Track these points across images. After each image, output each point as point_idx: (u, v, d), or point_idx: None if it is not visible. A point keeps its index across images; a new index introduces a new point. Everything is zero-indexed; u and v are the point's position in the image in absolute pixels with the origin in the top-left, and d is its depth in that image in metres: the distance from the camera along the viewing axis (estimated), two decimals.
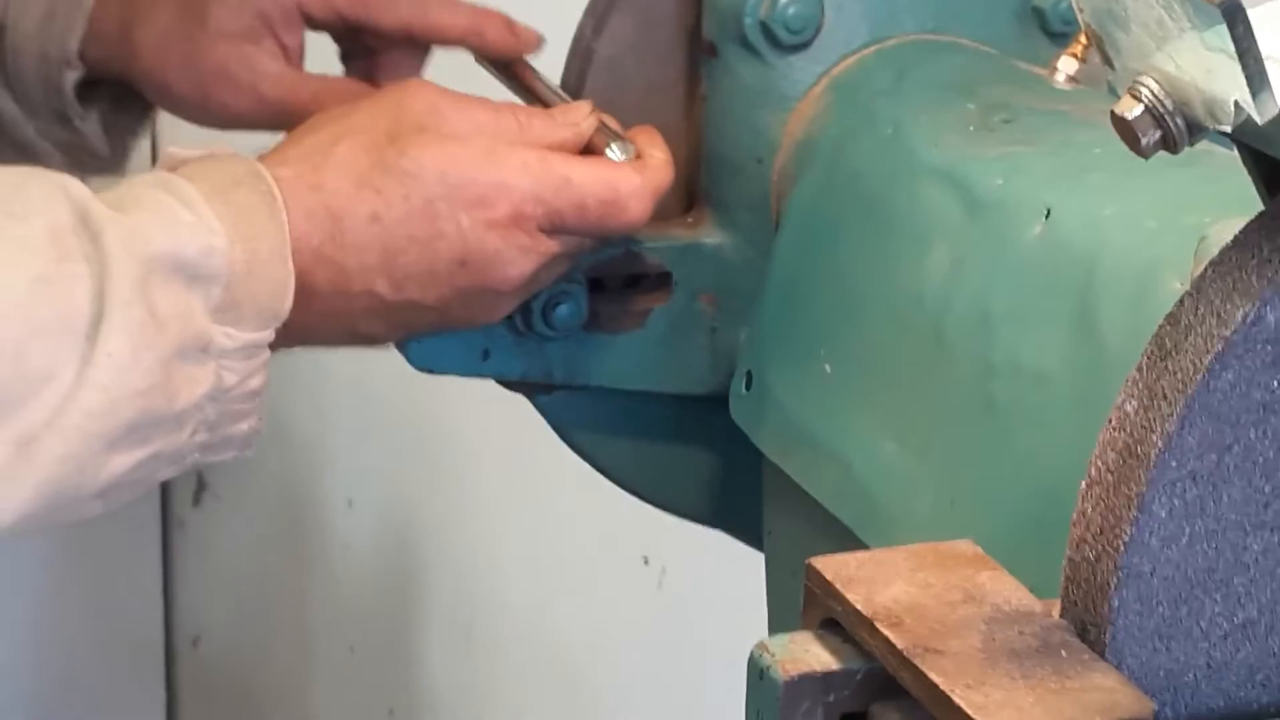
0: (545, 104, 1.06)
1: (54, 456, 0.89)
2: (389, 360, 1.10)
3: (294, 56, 1.14)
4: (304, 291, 0.96)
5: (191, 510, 2.32)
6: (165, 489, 2.26)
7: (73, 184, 0.93)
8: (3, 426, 0.88)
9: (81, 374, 0.89)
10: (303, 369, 2.16)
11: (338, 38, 1.17)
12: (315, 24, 1.15)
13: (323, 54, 1.19)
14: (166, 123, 1.89)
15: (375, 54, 1.15)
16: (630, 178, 1.00)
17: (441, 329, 1.02)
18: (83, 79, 1.18)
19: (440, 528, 2.14)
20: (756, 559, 1.11)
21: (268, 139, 1.05)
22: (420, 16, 1.12)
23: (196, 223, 0.93)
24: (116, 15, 1.16)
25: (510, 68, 1.10)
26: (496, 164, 0.97)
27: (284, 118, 1.11)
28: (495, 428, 1.92)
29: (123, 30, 1.16)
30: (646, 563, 1.98)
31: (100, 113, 1.20)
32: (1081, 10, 0.72)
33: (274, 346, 0.96)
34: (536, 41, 1.11)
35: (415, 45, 1.15)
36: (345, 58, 1.18)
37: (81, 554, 2.21)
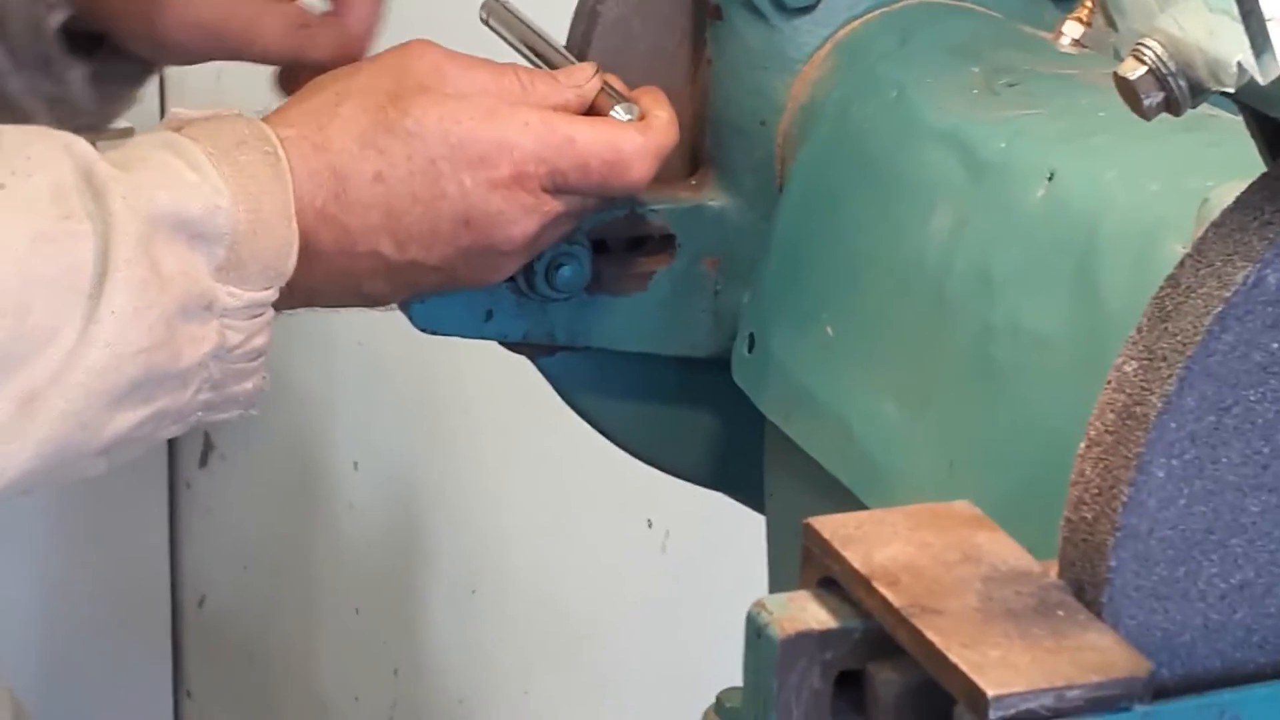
0: (550, 65, 1.06)
1: (57, 413, 0.90)
2: (394, 322, 1.10)
3: None
4: (309, 251, 0.96)
5: (198, 471, 2.33)
6: (172, 450, 2.27)
7: (77, 142, 0.93)
8: (5, 383, 0.89)
9: (85, 331, 0.90)
10: (310, 331, 2.17)
11: None
12: None
13: None
14: (174, 83, 1.89)
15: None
16: (633, 138, 1.00)
17: (446, 289, 1.02)
18: (71, 28, 1.16)
19: (445, 490, 2.14)
20: (759, 522, 1.12)
21: (272, 102, 1.05)
22: None
23: (201, 182, 0.93)
24: None
25: (513, 26, 1.09)
26: (499, 123, 0.98)
27: (219, 46, 1.09)
28: (501, 391, 1.92)
29: None
30: (650, 526, 1.98)
31: (90, 69, 1.18)
32: None
33: (279, 306, 0.96)
34: None
35: None
36: None
37: (88, 514, 2.22)
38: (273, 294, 0.95)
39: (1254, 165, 0.71)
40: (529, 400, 1.16)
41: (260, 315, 0.95)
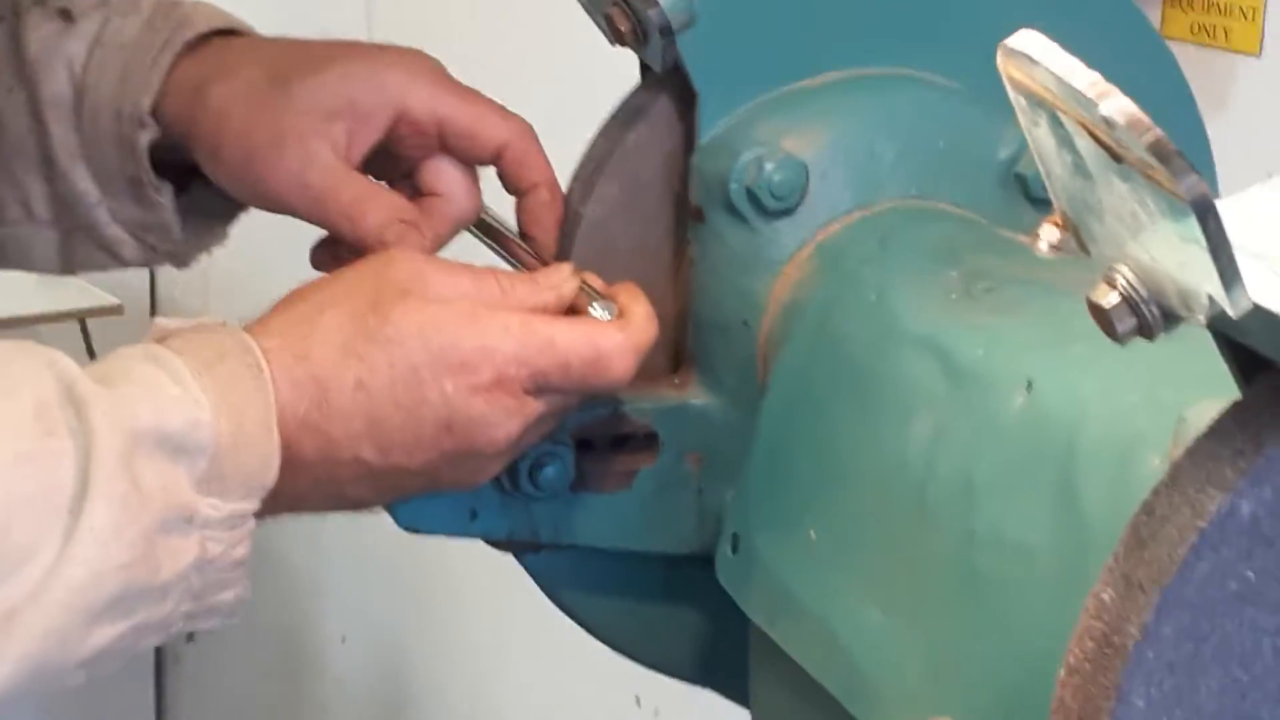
0: (527, 267, 1.07)
1: (36, 630, 0.89)
2: None
3: (355, 154, 1.11)
4: (291, 460, 0.96)
5: (186, 646, 2.32)
6: None
7: (59, 358, 0.94)
8: None
9: (64, 549, 0.90)
10: None
11: (402, 144, 1.12)
12: (403, 131, 1.11)
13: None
14: None
15: (420, 162, 1.12)
16: (612, 335, 1.01)
17: (430, 492, 1.03)
18: (160, 153, 1.16)
19: (433, 665, 2.13)
20: None
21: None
22: (523, 142, 1.10)
23: (183, 395, 0.93)
24: (197, 73, 1.14)
25: (493, 231, 1.11)
26: (479, 328, 0.98)
27: (316, 210, 1.09)
28: (487, 567, 1.92)
29: (199, 86, 1.13)
30: (639, 703, 1.97)
31: (178, 196, 1.18)
32: (1058, 198, 0.73)
33: (263, 514, 0.96)
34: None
35: (467, 189, 1.12)
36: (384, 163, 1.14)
37: (75, 691, 2.21)
38: (254, 504, 0.95)
39: (1231, 378, 0.71)
40: (516, 574, 1.16)
41: (241, 526, 0.95)
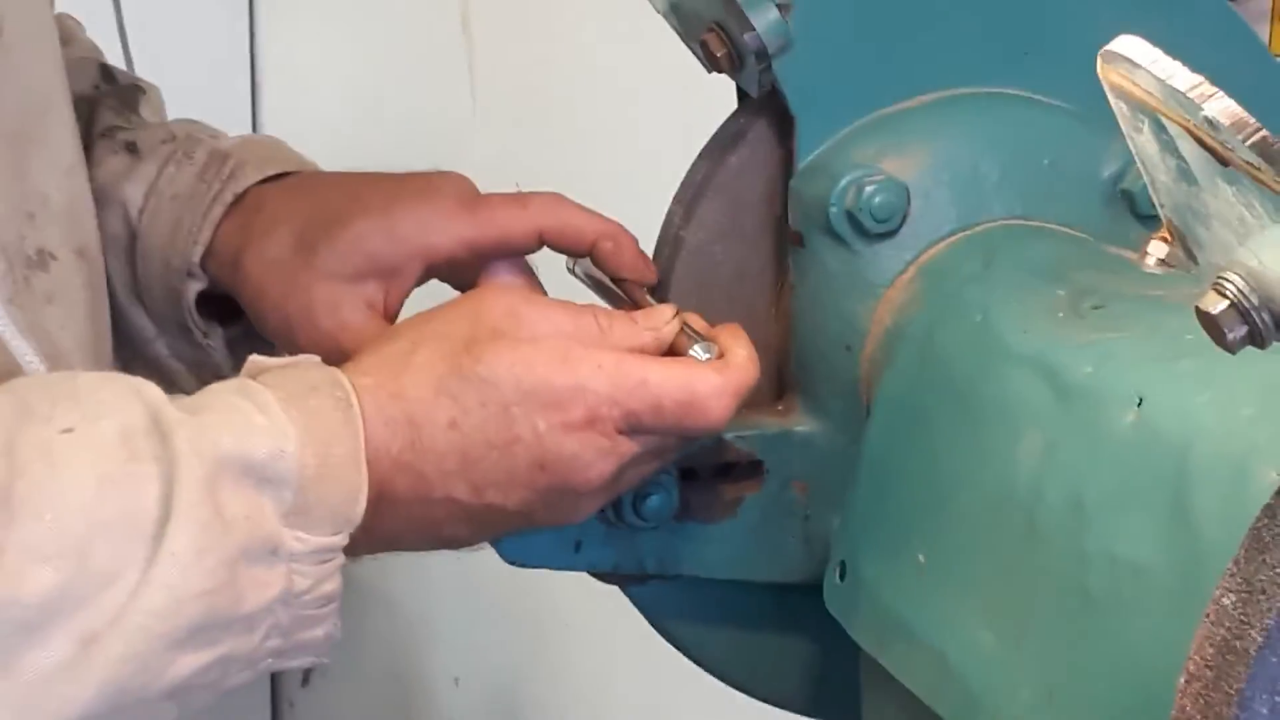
0: (629, 304, 1.06)
1: (116, 655, 0.89)
2: None
3: (392, 306, 1.13)
4: (386, 498, 0.96)
5: (300, 691, 2.32)
6: (275, 670, 2.27)
7: (147, 387, 0.94)
8: (66, 624, 0.89)
9: (146, 574, 0.90)
10: None
11: (447, 273, 1.15)
12: (438, 266, 1.13)
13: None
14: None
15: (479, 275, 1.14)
16: (709, 378, 0.99)
17: (527, 528, 1.02)
18: (209, 293, 1.19)
19: (546, 705, 2.12)
20: None
21: None
22: (554, 216, 1.11)
23: (269, 426, 0.93)
24: (234, 239, 1.18)
25: (596, 280, 1.10)
26: (571, 367, 0.97)
27: (345, 353, 1.09)
28: (601, 602, 1.91)
29: (235, 254, 1.17)
30: None
31: (227, 332, 1.21)
32: (1163, 206, 0.71)
33: (359, 552, 0.96)
34: (654, 276, 1.10)
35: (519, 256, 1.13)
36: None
37: None
38: (342, 539, 0.95)
39: None
40: (629, 612, 1.15)
41: (329, 561, 0.95)
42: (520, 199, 1.12)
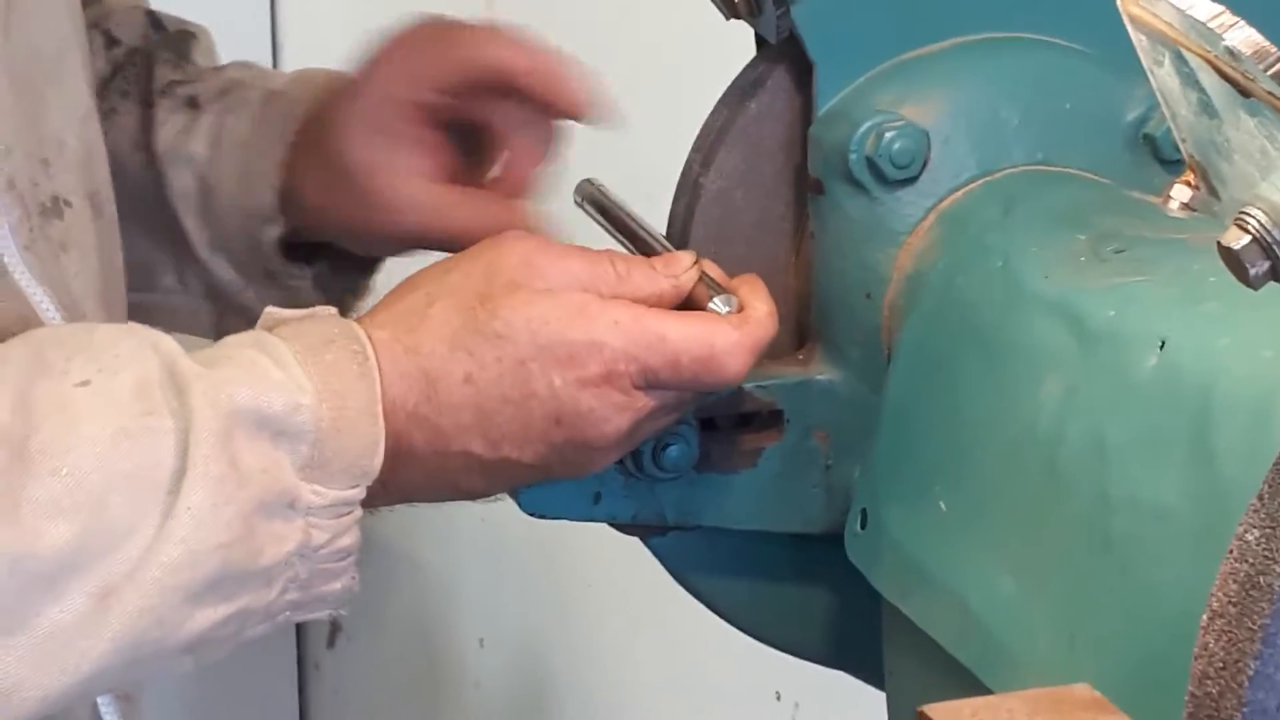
0: (645, 249, 1.05)
1: (133, 609, 0.89)
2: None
3: (442, 169, 1.15)
4: (402, 452, 0.96)
5: (326, 652, 2.32)
6: (300, 632, 2.27)
7: (163, 340, 0.94)
8: (83, 578, 0.89)
9: (162, 527, 0.90)
10: (431, 509, 2.16)
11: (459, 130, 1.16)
12: (438, 118, 1.15)
13: None
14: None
15: (500, 143, 1.15)
16: (728, 334, 0.99)
17: (543, 481, 1.02)
18: (292, 239, 1.20)
19: (572, 665, 2.13)
20: None
21: None
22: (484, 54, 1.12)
23: (285, 379, 0.93)
24: (298, 172, 1.19)
25: (612, 214, 1.09)
26: (588, 322, 0.97)
27: (445, 241, 1.12)
28: (624, 563, 1.91)
29: (293, 190, 1.18)
30: (779, 698, 1.96)
31: (314, 274, 1.22)
32: (1184, 141, 0.71)
33: (376, 504, 0.96)
34: (585, 109, 1.11)
35: (537, 125, 1.14)
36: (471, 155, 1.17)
37: (219, 698, 2.22)
38: (359, 493, 0.94)
39: None
40: (654, 572, 1.15)
41: (347, 514, 0.94)
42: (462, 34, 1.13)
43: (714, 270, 1.03)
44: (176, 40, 1.25)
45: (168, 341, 0.94)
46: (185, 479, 0.90)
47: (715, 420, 1.06)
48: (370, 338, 0.96)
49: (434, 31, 1.15)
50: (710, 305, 1.00)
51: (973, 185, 1.04)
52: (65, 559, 0.89)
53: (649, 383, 0.98)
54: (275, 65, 1.94)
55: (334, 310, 0.99)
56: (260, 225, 1.19)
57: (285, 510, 0.93)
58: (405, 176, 1.14)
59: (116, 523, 0.89)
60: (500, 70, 1.12)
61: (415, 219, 1.14)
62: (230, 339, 0.96)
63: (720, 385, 1.00)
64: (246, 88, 1.22)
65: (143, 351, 0.93)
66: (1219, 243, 0.67)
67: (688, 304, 1.00)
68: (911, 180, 1.04)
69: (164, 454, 0.90)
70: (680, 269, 1.01)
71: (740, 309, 1.00)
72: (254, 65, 1.26)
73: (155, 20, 1.25)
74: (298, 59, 1.92)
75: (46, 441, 0.89)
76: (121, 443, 0.90)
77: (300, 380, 0.93)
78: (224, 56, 1.30)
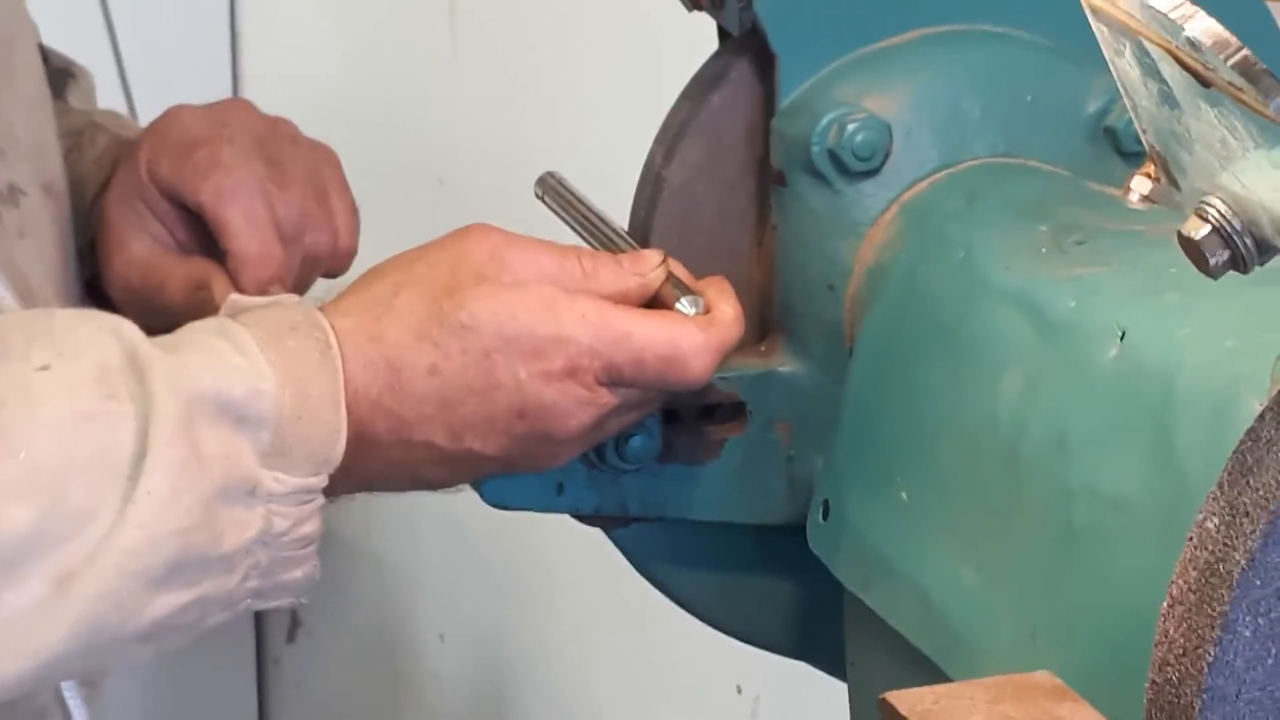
0: (607, 246, 1.05)
1: (91, 594, 0.89)
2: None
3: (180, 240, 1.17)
4: (364, 441, 0.96)
5: (285, 647, 2.32)
6: (259, 626, 2.27)
7: (125, 325, 0.94)
8: (41, 562, 0.88)
9: (122, 512, 0.89)
10: (393, 503, 2.16)
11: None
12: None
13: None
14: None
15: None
16: (693, 335, 0.99)
17: (506, 474, 1.02)
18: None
19: (533, 660, 2.12)
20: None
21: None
22: (213, 202, 1.14)
23: (246, 366, 0.93)
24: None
25: (574, 207, 1.08)
26: (554, 316, 0.97)
27: (146, 304, 1.14)
28: (586, 558, 1.91)
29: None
30: (740, 692, 1.96)
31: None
32: (1145, 131, 0.71)
33: (337, 492, 0.96)
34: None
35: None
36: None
37: (177, 691, 2.21)
38: (321, 480, 0.94)
39: None
40: (615, 568, 1.15)
41: (309, 502, 0.94)
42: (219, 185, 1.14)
43: (680, 271, 1.03)
44: (53, 76, 1.24)
45: (129, 327, 0.94)
46: (145, 463, 0.90)
47: (678, 412, 1.06)
48: (334, 326, 0.96)
49: (183, 147, 1.16)
50: (677, 306, 1.00)
51: (935, 177, 1.04)
52: (24, 543, 0.88)
53: (613, 379, 0.98)
54: (235, 81, 1.94)
55: (298, 298, 0.99)
56: (79, 265, 1.20)
57: (246, 497, 0.92)
58: (138, 235, 1.15)
59: (76, 507, 0.89)
60: (213, 226, 1.14)
61: (135, 275, 1.15)
62: (193, 325, 0.96)
63: (684, 386, 1.00)
64: (98, 130, 1.22)
65: (104, 336, 0.93)
66: (1179, 233, 0.67)
67: (654, 303, 1.00)
68: (873, 172, 1.04)
69: (124, 438, 0.90)
70: (648, 267, 1.01)
71: (707, 310, 1.00)
72: (120, 115, 1.27)
73: (42, 54, 1.24)
74: (257, 73, 1.92)
75: (6, 425, 0.89)
76: (81, 426, 0.90)
77: (261, 367, 0.93)
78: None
